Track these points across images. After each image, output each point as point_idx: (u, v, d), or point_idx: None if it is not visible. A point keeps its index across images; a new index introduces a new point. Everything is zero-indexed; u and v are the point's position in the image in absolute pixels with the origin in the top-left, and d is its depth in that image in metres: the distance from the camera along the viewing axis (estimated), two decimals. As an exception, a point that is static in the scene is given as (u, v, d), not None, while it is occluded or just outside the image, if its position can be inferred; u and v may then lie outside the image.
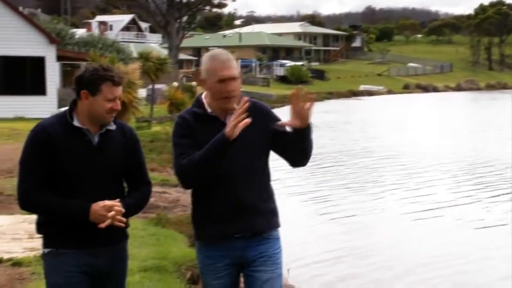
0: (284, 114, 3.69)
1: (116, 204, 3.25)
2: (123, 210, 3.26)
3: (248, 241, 3.41)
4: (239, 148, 3.31)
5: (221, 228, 3.39)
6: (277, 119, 3.55)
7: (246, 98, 3.36)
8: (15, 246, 7.09)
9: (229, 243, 3.40)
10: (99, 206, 3.22)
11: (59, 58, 27.26)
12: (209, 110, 3.44)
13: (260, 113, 3.46)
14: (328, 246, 9.60)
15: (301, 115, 3.31)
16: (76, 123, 3.30)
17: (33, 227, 8.41)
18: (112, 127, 3.37)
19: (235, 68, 3.38)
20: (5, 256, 6.59)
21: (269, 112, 3.56)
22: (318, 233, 10.36)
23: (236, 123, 3.18)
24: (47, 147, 3.24)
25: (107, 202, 3.24)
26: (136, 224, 8.08)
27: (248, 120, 3.22)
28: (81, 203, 3.23)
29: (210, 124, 3.35)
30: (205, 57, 3.46)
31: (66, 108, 3.43)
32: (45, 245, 3.38)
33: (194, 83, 37.23)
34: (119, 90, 3.32)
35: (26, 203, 3.29)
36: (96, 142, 3.32)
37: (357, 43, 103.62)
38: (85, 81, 3.28)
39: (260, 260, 3.43)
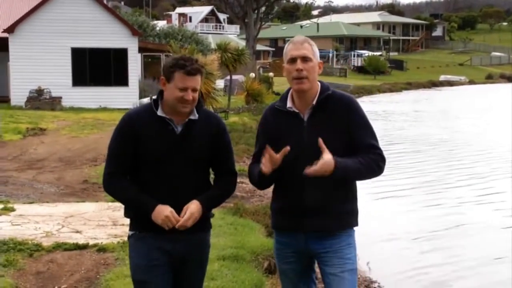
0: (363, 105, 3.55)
1: (179, 219, 3.29)
2: (179, 225, 3.29)
3: (311, 236, 3.41)
4: (308, 150, 3.27)
5: (286, 222, 3.46)
6: (358, 112, 3.40)
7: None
8: (100, 232, 7.36)
9: (294, 235, 3.45)
10: (162, 214, 3.26)
11: (141, 49, 27.84)
12: (289, 105, 3.43)
13: (338, 109, 3.38)
14: (412, 241, 9.37)
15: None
16: (160, 112, 3.36)
17: (116, 214, 8.67)
18: (195, 117, 3.38)
19: (307, 50, 3.38)
20: (91, 242, 6.86)
21: (350, 106, 3.40)
22: (401, 229, 10.14)
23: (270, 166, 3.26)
24: (131, 135, 3.34)
25: (172, 214, 3.28)
26: (215, 214, 8.22)
27: None
28: (150, 201, 3.30)
29: (289, 120, 3.41)
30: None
31: (150, 98, 3.52)
32: (130, 227, 3.50)
33: (271, 74, 37.27)
34: (193, 81, 3.29)
35: (107, 186, 3.45)
36: (179, 131, 3.36)
37: (437, 32, 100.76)
38: (164, 67, 3.38)
39: (325, 254, 3.42)
